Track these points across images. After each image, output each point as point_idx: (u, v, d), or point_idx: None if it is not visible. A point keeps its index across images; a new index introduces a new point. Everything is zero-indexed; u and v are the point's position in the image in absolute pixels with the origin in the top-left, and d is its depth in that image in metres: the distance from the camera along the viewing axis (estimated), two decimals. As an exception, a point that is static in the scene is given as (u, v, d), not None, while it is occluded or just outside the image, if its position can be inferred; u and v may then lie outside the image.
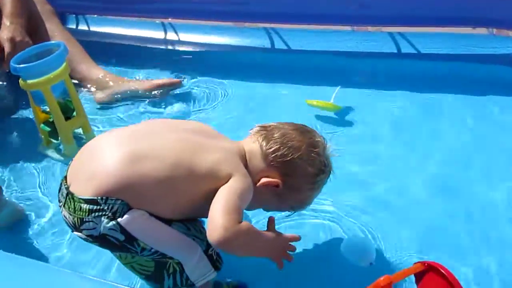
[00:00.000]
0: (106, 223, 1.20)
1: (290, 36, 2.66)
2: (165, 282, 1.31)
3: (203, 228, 1.31)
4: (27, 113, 2.22)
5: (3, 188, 1.76)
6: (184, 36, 2.79)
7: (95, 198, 1.19)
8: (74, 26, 2.94)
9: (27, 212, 1.80)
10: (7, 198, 1.75)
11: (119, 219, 1.20)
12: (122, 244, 1.22)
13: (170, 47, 2.78)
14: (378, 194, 1.78)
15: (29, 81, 1.89)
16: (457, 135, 2.03)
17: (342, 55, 2.53)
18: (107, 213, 1.20)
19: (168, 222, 1.25)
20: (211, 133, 1.42)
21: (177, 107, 2.31)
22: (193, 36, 2.78)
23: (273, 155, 1.36)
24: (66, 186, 1.26)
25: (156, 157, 1.25)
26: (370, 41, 2.57)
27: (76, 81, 2.43)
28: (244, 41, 2.69)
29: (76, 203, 1.22)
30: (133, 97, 2.38)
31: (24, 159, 2.05)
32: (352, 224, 1.66)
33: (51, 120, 2.00)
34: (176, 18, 2.85)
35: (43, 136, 2.05)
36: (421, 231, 1.63)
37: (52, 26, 2.52)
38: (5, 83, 2.22)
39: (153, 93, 2.37)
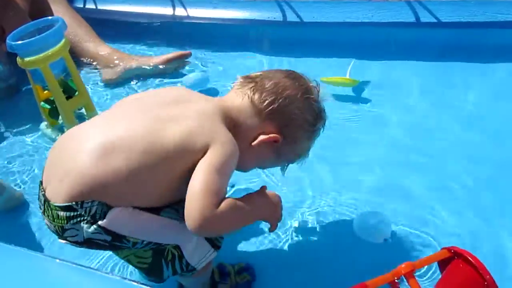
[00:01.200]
0: (87, 228, 1.09)
1: (302, 7, 2.54)
2: (164, 272, 1.21)
3: None
4: (27, 93, 2.15)
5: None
6: (193, 11, 2.68)
7: (70, 204, 1.08)
8: (81, 5, 2.86)
9: (25, 197, 1.74)
10: (4, 183, 1.68)
11: (100, 222, 1.08)
12: (111, 244, 1.12)
13: (178, 21, 2.67)
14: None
15: (26, 59, 1.81)
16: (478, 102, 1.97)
17: (356, 26, 2.41)
18: (85, 217, 1.08)
19: (156, 210, 1.14)
20: (184, 97, 1.25)
21: (193, 76, 2.24)
22: (202, 11, 2.67)
23: (269, 108, 1.23)
24: (42, 192, 1.14)
25: (125, 148, 1.10)
26: (387, 11, 2.44)
27: (84, 60, 2.37)
28: (255, 14, 2.57)
29: (53, 210, 1.10)
30: (143, 74, 2.31)
31: (25, 141, 2.00)
32: (371, 205, 1.58)
33: (52, 98, 1.93)
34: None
35: (44, 116, 1.98)
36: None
37: (58, 7, 2.46)
38: (5, 65, 2.14)
39: (163, 67, 2.29)
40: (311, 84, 1.31)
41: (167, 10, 2.73)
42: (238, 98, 1.26)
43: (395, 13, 2.42)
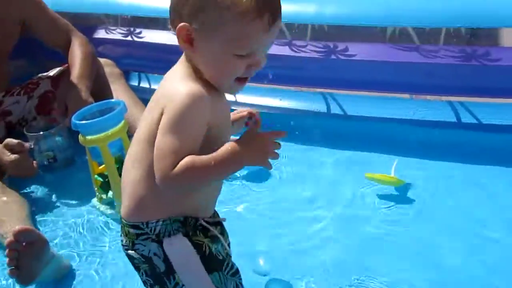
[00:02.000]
0: (152, 246, 1.22)
1: (346, 101, 2.65)
2: None
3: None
4: (85, 166, 2.27)
5: (51, 242, 1.78)
6: (241, 98, 2.82)
7: (137, 223, 1.22)
8: (136, 83, 3.05)
9: (73, 267, 1.82)
10: (54, 253, 1.76)
11: (165, 243, 1.21)
12: (162, 273, 1.23)
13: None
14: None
15: (88, 137, 1.95)
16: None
17: (400, 123, 2.47)
18: (151, 236, 1.21)
19: (209, 269, 1.24)
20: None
21: None
22: (249, 98, 2.81)
23: (172, 19, 1.16)
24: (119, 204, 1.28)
25: (137, 158, 1.21)
26: (429, 109, 2.52)
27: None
28: (301, 104, 2.70)
29: (125, 227, 1.25)
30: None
31: (76, 212, 2.11)
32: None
33: (106, 173, 2.04)
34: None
35: (96, 189, 2.09)
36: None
37: (118, 87, 2.64)
38: (65, 138, 2.29)
39: None
40: None
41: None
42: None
43: (437, 111, 2.49)
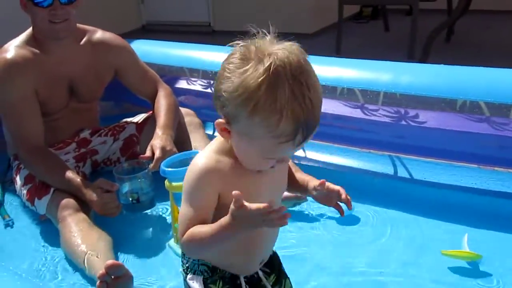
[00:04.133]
0: (183, 276, 1.45)
1: (413, 165, 2.73)
2: None
3: None
4: (164, 210, 2.44)
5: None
6: (311, 154, 2.95)
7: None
8: (211, 132, 3.22)
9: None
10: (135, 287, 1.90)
11: (187, 277, 1.43)
12: None
13: (296, 161, 2.93)
14: None
15: (174, 184, 2.11)
16: None
17: (469, 192, 2.51)
18: (183, 267, 1.45)
19: None
20: None
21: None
22: (318, 155, 2.93)
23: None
24: None
25: None
26: (497, 180, 2.56)
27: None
28: (368, 165, 2.79)
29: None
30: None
31: (154, 253, 2.25)
32: None
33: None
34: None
35: (175, 234, 2.24)
36: None
37: (197, 136, 2.82)
38: (149, 181, 2.46)
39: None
40: (234, 51, 1.15)
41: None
42: None
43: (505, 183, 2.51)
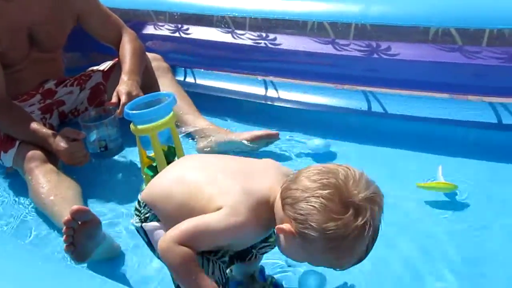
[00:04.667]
0: (136, 222, 1.44)
1: (386, 100, 2.69)
2: None
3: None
4: (133, 155, 2.38)
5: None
6: (284, 94, 2.89)
7: (140, 200, 1.44)
8: (182, 78, 3.15)
9: (123, 249, 1.92)
10: (106, 234, 1.85)
11: (143, 224, 1.41)
12: (148, 246, 1.45)
13: (269, 102, 2.88)
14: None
15: (139, 127, 2.05)
16: None
17: (442, 124, 2.49)
18: (141, 216, 1.43)
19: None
20: (257, 171, 1.37)
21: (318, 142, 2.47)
22: (292, 94, 2.88)
23: (285, 199, 1.23)
24: None
25: (183, 183, 1.37)
26: (470, 110, 2.53)
27: (183, 130, 2.61)
28: (342, 102, 2.75)
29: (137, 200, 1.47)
30: (232, 147, 2.48)
31: (125, 199, 2.20)
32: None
33: (154, 165, 2.14)
34: (276, 77, 2.99)
35: (144, 178, 2.19)
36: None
37: (165, 81, 2.75)
38: (116, 128, 2.40)
39: (251, 144, 2.47)
40: (339, 181, 1.18)
41: (259, 90, 2.95)
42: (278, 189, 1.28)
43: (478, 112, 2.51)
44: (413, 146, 2.42)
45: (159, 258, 1.41)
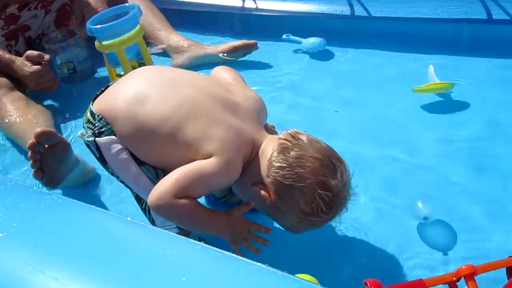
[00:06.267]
0: (88, 136, 1.35)
1: (370, 1, 2.53)
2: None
3: None
4: (102, 75, 2.27)
5: (75, 149, 1.78)
6: (262, 4, 2.73)
7: (95, 113, 1.34)
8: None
9: (98, 172, 1.84)
10: (79, 158, 1.77)
11: (96, 138, 1.32)
12: (99, 160, 1.37)
13: (246, 12, 2.72)
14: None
15: (104, 43, 1.92)
16: None
17: (430, 22, 2.36)
18: (95, 130, 1.33)
19: (141, 162, 1.31)
20: (244, 111, 1.34)
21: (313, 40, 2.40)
22: (270, 3, 2.71)
23: (275, 171, 1.24)
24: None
25: (154, 105, 1.28)
26: (458, 7, 2.39)
27: (156, 46, 2.47)
28: (323, 7, 2.58)
29: (88, 111, 1.38)
30: (211, 61, 2.36)
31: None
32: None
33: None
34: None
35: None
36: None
37: None
38: (84, 48, 2.27)
39: (228, 56, 2.35)
40: (333, 182, 1.22)
41: (236, 2, 2.78)
42: (270, 145, 1.28)
43: (467, 9, 2.37)
44: (401, 48, 2.32)
45: (110, 173, 1.38)
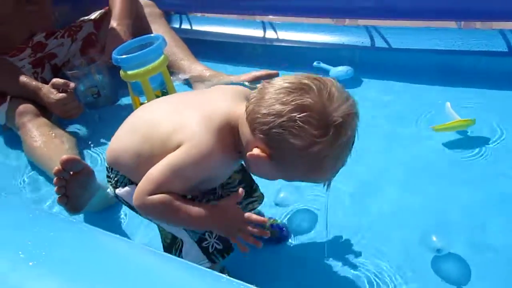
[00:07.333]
0: (111, 190, 1.32)
1: (390, 33, 2.56)
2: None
3: None
4: (126, 103, 2.31)
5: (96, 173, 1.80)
6: (283, 34, 2.77)
7: (107, 166, 1.32)
8: (178, 25, 3.04)
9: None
10: (100, 184, 1.79)
11: (116, 190, 1.29)
12: (131, 209, 1.30)
13: (268, 43, 2.77)
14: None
15: (129, 72, 1.96)
16: None
17: (449, 54, 2.37)
18: (112, 182, 1.31)
19: None
20: (214, 96, 1.25)
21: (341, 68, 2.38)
22: (291, 34, 2.75)
23: (255, 123, 1.10)
24: None
25: (136, 129, 1.26)
26: (479, 39, 2.39)
27: (179, 76, 2.51)
28: (344, 39, 2.62)
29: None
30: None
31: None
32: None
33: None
34: (275, 15, 2.86)
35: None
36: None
37: (158, 26, 2.66)
38: (106, 75, 2.32)
39: (250, 85, 2.38)
40: (307, 99, 1.06)
41: (257, 33, 2.83)
42: (243, 106, 1.15)
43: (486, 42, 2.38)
44: (420, 79, 2.30)
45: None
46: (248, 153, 1.13)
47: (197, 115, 1.18)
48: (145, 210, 1.19)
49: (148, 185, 1.16)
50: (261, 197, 1.51)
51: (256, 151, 1.11)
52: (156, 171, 1.15)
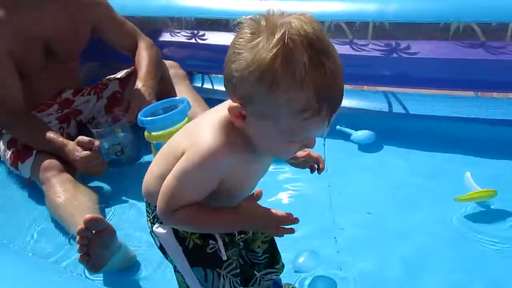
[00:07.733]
0: (149, 227, 1.33)
1: (408, 100, 2.61)
2: None
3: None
4: (148, 161, 2.35)
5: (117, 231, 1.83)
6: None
7: (146, 201, 1.33)
8: (199, 84, 3.12)
9: (138, 259, 1.88)
10: (121, 243, 1.82)
11: (154, 227, 1.30)
12: (161, 250, 1.33)
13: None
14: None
15: (154, 133, 2.02)
16: None
17: (468, 122, 2.40)
18: (150, 217, 1.32)
19: (192, 262, 1.28)
20: (214, 109, 1.21)
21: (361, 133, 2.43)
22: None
23: (236, 93, 1.07)
24: None
25: (161, 154, 1.28)
26: (496, 108, 2.44)
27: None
28: (361, 103, 2.68)
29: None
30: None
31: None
32: None
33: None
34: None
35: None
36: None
37: (182, 88, 2.72)
38: (129, 133, 2.38)
39: None
40: (241, 25, 1.03)
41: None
42: None
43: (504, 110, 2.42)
44: (438, 147, 2.32)
45: (171, 263, 1.36)
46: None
47: (202, 124, 1.18)
48: (173, 224, 1.23)
49: (163, 201, 1.17)
50: (280, 270, 1.53)
51: (234, 111, 1.07)
52: (164, 185, 1.17)
